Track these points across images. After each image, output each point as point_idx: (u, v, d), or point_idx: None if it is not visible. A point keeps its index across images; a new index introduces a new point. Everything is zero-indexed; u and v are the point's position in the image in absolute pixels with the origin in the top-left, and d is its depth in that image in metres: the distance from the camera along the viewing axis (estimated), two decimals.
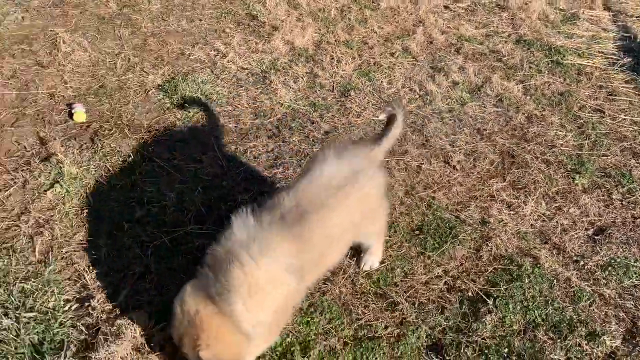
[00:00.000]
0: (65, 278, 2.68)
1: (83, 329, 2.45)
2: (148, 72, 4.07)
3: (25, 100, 3.75)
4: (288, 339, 2.52)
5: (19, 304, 2.52)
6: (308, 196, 2.31)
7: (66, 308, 2.54)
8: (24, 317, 2.46)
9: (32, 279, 2.64)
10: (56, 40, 4.25)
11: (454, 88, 4.11)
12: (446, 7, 5.11)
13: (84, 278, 2.67)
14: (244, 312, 2.13)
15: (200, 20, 4.70)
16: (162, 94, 3.88)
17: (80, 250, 2.82)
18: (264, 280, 2.14)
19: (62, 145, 3.38)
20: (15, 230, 2.90)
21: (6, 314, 2.46)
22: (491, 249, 2.99)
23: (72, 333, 2.44)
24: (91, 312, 2.54)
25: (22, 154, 3.34)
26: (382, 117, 2.75)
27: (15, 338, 2.38)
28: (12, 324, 2.42)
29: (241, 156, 3.46)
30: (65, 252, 2.79)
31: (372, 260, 2.87)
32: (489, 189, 3.34)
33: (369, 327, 2.61)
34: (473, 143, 3.66)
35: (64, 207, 3.01)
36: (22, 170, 3.22)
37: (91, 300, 2.58)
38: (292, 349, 2.48)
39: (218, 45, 4.39)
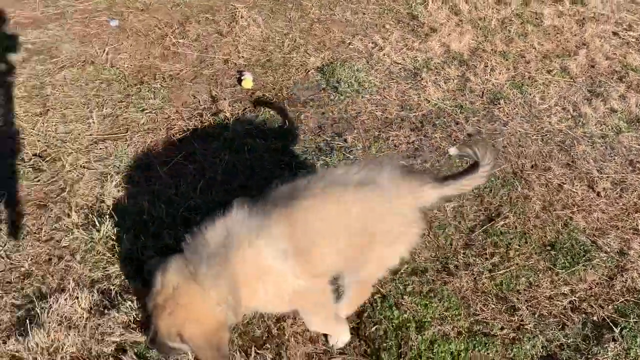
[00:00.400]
0: None
1: None
2: (310, 54, 4.39)
3: (204, 62, 4.23)
4: (405, 315, 2.64)
5: (179, 228, 2.92)
6: (303, 187, 2.23)
7: None
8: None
9: (194, 211, 3.02)
10: (236, 14, 4.73)
11: (611, 115, 3.95)
12: (615, 33, 4.89)
13: None
14: (232, 298, 2.08)
15: (364, 13, 4.95)
16: (319, 75, 4.17)
17: (233, 194, 3.16)
18: (257, 267, 2.10)
19: (230, 105, 3.79)
20: (183, 169, 3.32)
21: (169, 235, 2.86)
22: (626, 280, 2.88)
23: None
24: None
25: (196, 107, 3.80)
26: (453, 152, 2.44)
27: None
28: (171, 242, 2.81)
29: (383, 143, 3.63)
30: (222, 193, 3.15)
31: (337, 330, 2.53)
32: (633, 223, 3.20)
33: (485, 324, 2.66)
34: (623, 173, 3.51)
35: (225, 157, 3.38)
36: (194, 120, 3.67)
37: None
38: (407, 325, 2.61)
39: (376, 38, 4.61)
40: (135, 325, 2.48)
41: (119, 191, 3.11)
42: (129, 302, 2.53)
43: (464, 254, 2.99)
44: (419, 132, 3.74)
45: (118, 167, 3.27)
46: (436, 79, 4.21)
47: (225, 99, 3.86)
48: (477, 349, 2.55)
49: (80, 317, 2.49)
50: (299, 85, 4.08)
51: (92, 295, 2.58)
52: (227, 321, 2.10)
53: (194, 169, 3.32)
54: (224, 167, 3.33)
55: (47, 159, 3.26)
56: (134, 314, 2.50)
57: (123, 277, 2.69)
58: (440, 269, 2.90)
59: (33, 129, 3.43)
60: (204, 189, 3.17)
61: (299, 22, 4.77)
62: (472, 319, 2.68)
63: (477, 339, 2.58)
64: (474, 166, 2.34)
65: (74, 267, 2.74)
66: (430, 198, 2.35)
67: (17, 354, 2.34)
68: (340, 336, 2.51)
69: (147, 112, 3.69)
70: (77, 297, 2.54)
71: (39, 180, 3.14)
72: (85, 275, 2.71)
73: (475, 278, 2.87)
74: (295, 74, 4.18)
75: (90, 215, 2.96)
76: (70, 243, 2.84)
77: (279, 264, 2.10)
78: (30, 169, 3.18)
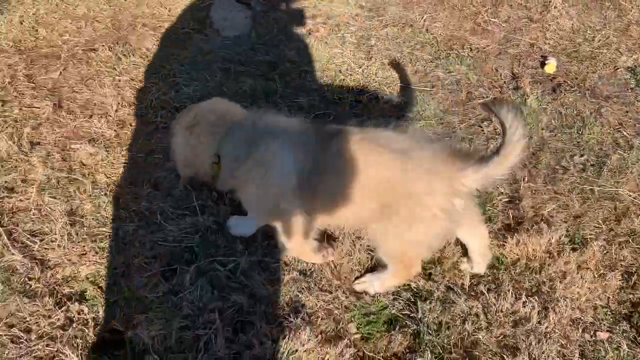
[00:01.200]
0: None
1: None
2: (622, 53, 4.24)
3: (510, 41, 4.42)
4: None
5: None
6: (343, 132, 2.32)
7: None
8: None
9: None
10: (549, 4, 4.78)
11: None
12: None
13: None
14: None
15: None
16: (629, 75, 4.02)
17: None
18: (263, 162, 2.35)
19: (530, 84, 3.92)
20: (479, 131, 3.59)
21: None
22: None
23: None
24: None
25: (497, 79, 4.03)
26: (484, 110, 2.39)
27: None
28: None
29: None
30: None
31: (374, 283, 2.60)
32: None
33: None
34: None
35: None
36: (494, 90, 3.91)
37: None
38: None
39: None
40: None
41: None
42: None
43: None
44: None
45: (421, 114, 3.68)
46: None
47: (525, 77, 4.00)
48: None
49: None
50: (604, 80, 4.00)
51: None
52: (192, 161, 2.54)
53: (487, 132, 3.56)
54: None
55: (367, 94, 3.84)
56: None
57: None
58: None
59: (359, 69, 4.06)
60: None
61: (614, 21, 4.61)
62: None
63: None
64: (504, 133, 2.11)
65: None
66: (474, 182, 2.22)
67: None
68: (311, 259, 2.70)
69: (452, 74, 4.04)
70: None
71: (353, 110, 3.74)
72: None
73: None
74: (602, 68, 4.10)
75: None
76: None
77: (282, 175, 2.36)
78: (353, 102, 3.80)
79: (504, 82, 4.00)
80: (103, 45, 4.02)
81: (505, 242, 2.82)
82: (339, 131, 2.37)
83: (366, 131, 2.36)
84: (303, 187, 2.37)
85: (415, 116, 3.65)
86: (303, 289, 2.63)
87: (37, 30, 4.16)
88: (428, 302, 2.58)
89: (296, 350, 2.36)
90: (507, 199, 3.10)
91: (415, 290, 2.65)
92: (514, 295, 2.61)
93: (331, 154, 2.30)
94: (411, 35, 4.45)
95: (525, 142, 2.11)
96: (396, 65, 4.08)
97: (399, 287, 2.64)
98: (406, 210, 2.27)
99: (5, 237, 2.72)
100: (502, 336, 2.48)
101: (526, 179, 3.21)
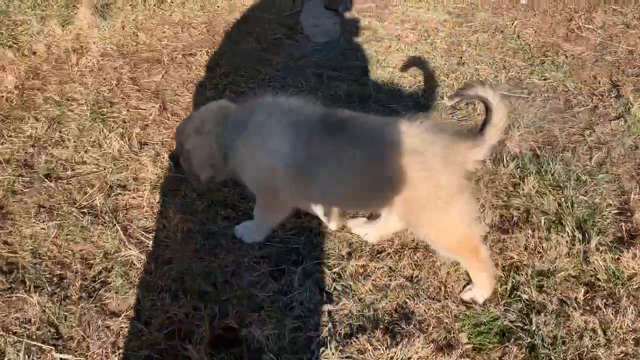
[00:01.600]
0: None
1: None
2: None
3: (606, 48, 4.28)
4: None
5: None
6: (354, 122, 2.38)
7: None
8: None
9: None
10: None
11: None
12: None
13: None
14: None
15: None
16: None
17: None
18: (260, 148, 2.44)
19: (632, 93, 3.77)
20: (581, 142, 3.48)
21: None
22: None
23: None
24: None
25: (596, 87, 3.90)
26: (450, 102, 2.61)
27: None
28: None
29: None
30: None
31: (479, 291, 2.60)
32: None
33: None
34: None
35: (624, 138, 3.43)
36: (594, 98, 3.78)
37: None
38: None
39: None
40: None
41: None
42: None
43: None
44: None
45: (519, 122, 3.61)
46: None
47: (626, 84, 3.86)
48: None
49: None
50: None
51: None
52: (209, 159, 2.61)
53: (590, 141, 3.44)
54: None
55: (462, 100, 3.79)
56: None
57: None
58: None
59: (452, 74, 4.02)
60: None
61: None
62: None
63: None
64: (486, 104, 2.26)
65: None
66: (481, 150, 2.33)
67: None
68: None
69: (548, 81, 3.94)
70: None
71: (453, 116, 3.70)
72: None
73: None
74: None
75: None
76: None
77: (272, 153, 2.44)
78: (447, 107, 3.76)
79: (604, 89, 3.87)
80: (200, 50, 4.15)
81: (621, 255, 2.72)
82: (347, 118, 2.43)
83: (377, 120, 2.43)
84: (299, 169, 2.44)
85: (514, 123, 3.57)
86: (411, 295, 2.62)
87: (137, 35, 4.34)
88: (542, 314, 2.51)
89: (409, 358, 2.35)
90: (616, 211, 2.99)
91: (526, 302, 2.59)
92: (634, 312, 2.51)
93: (338, 142, 2.37)
94: (502, 41, 4.37)
95: (506, 106, 2.30)
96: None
97: (507, 294, 2.59)
98: (429, 199, 2.35)
99: (122, 233, 2.84)
100: (623, 354, 2.38)
101: (637, 191, 3.08)
